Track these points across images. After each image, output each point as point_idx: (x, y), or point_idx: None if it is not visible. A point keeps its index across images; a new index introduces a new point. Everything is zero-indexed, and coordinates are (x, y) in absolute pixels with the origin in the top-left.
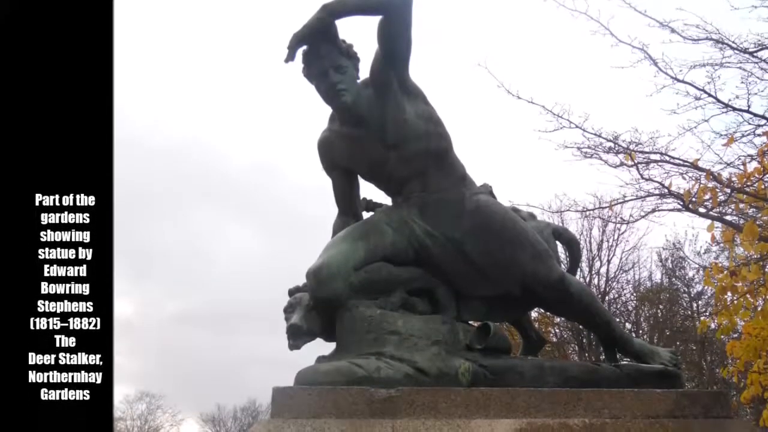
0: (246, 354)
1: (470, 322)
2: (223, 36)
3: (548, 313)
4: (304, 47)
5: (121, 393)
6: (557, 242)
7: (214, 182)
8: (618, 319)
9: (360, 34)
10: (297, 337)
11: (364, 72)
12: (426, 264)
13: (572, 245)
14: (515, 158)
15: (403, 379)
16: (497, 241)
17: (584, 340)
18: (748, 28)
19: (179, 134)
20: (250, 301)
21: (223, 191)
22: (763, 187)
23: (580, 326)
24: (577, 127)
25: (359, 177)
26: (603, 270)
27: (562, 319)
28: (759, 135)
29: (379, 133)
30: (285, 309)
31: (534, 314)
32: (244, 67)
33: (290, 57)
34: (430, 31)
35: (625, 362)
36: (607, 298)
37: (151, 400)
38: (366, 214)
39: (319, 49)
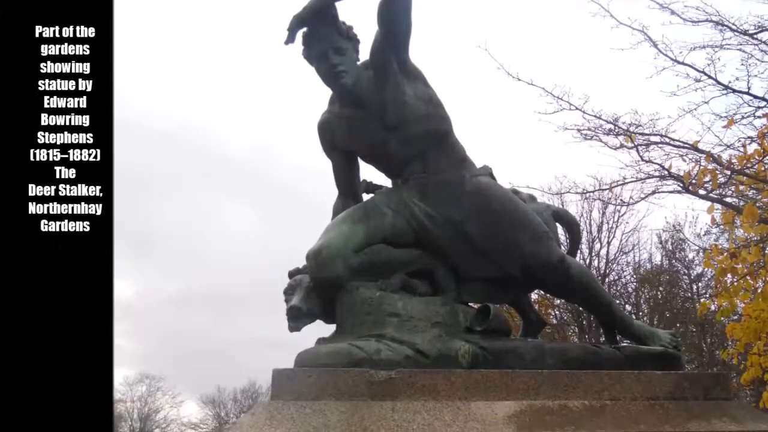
0: (246, 336)
1: (470, 304)
2: (222, 16)
3: (548, 295)
4: (304, 29)
5: (121, 375)
6: (557, 224)
7: (213, 163)
8: (618, 301)
9: (360, 16)
10: (297, 318)
11: (365, 54)
12: (426, 246)
13: (572, 227)
14: (515, 140)
15: (403, 361)
16: (497, 223)
17: (584, 322)
18: (748, 10)
19: (179, 115)
20: (250, 282)
21: (222, 172)
22: (763, 168)
23: (580, 308)
24: (577, 109)
25: (359, 159)
26: (603, 252)
27: (562, 300)
28: (759, 117)
29: (379, 114)
30: (285, 291)
31: (534, 296)
32: (243, 48)
33: (290, 39)
34: (430, 12)
35: (625, 344)
36: (607, 280)
37: (151, 381)
38: (366, 196)
39: (319, 30)
